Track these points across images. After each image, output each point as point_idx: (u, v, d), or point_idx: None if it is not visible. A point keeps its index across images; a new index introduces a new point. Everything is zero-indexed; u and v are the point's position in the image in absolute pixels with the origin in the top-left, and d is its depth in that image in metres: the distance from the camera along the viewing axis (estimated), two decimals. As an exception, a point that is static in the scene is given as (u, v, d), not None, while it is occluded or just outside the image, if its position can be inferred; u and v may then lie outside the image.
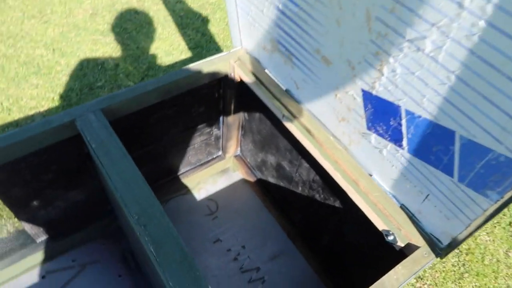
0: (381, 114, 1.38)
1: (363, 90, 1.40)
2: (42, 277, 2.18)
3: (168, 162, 2.39)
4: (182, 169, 2.53)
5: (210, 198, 2.58)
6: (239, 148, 2.65)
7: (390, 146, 1.43)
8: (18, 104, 3.51)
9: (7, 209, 1.93)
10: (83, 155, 1.92)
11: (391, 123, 1.36)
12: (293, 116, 1.79)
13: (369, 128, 1.49)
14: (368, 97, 1.39)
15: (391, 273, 1.39)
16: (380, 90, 1.32)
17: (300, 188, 2.18)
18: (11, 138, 1.61)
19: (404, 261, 1.42)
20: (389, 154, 1.46)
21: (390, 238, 1.51)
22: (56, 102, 3.54)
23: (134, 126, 2.00)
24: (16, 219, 2.02)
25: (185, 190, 2.60)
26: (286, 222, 2.44)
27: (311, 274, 2.31)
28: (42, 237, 2.21)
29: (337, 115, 1.62)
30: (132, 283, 2.19)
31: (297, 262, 2.36)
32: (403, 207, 1.54)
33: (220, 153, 2.64)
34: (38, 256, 2.21)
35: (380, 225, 1.55)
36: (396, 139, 1.38)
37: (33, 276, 2.18)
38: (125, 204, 1.44)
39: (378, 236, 1.74)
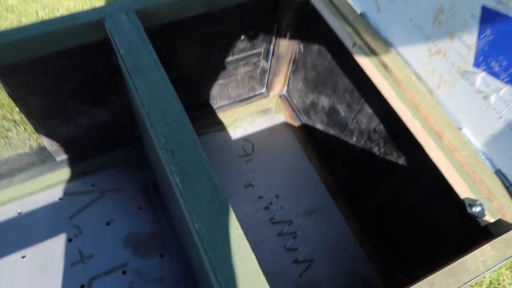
0: (507, 44, 1.00)
1: (484, 8, 1.02)
2: (60, 198, 2.02)
3: (204, 92, 2.10)
4: (219, 103, 2.24)
5: (246, 139, 2.31)
6: (286, 87, 2.32)
7: (506, 90, 1.06)
8: (53, 15, 3.27)
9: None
10: (111, 66, 1.65)
11: (519, 56, 0.98)
12: (367, 46, 1.42)
13: (477, 64, 1.11)
14: (491, 18, 1.01)
15: (477, 253, 1.08)
16: (515, 6, 0.94)
17: (354, 138, 1.85)
18: (26, 31, 1.35)
19: (494, 241, 1.11)
20: (499, 102, 1.09)
21: (476, 210, 1.18)
22: (91, 18, 3.28)
23: (171, 41, 1.69)
24: (38, 135, 1.83)
25: (220, 126, 2.33)
26: (329, 175, 2.15)
27: (349, 236, 2.05)
28: (62, 156, 2.03)
29: (430, 47, 1.25)
30: (152, 217, 2.00)
31: (335, 221, 2.09)
32: (499, 174, 1.19)
33: (263, 90, 2.32)
34: (56, 175, 2.04)
35: (464, 192, 1.22)
36: (520, 81, 1.01)
37: (50, 195, 2.03)
38: (152, 123, 1.17)
39: (454, 206, 1.42)
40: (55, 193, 2.03)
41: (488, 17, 1.01)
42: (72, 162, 2.06)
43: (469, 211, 1.20)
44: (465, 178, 1.21)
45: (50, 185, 2.05)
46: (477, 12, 1.04)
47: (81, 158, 2.06)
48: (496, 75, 1.07)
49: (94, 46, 1.51)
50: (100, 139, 2.03)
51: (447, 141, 1.25)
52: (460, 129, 1.26)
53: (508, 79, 1.04)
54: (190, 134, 1.16)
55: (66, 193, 2.05)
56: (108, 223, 1.97)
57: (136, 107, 1.55)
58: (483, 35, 1.05)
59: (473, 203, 1.19)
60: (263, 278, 0.96)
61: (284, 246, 1.98)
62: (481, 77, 1.12)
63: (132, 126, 2.05)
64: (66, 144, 1.96)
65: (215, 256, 0.97)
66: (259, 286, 0.95)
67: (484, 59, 1.08)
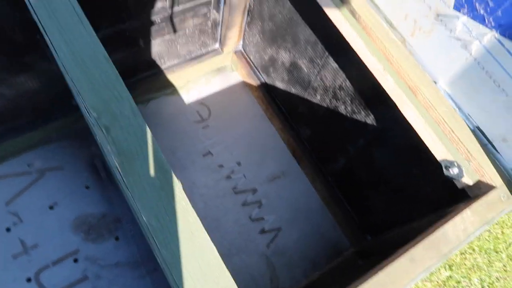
0: (495, -20, 0.86)
1: None
2: (-11, 181, 1.76)
3: (149, 50, 1.84)
4: (167, 62, 1.99)
5: (201, 102, 2.10)
6: (241, 41, 2.10)
7: (491, 37, 0.93)
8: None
9: None
10: (29, 23, 1.36)
11: (510, -5, 0.84)
12: (332, -10, 1.23)
13: (458, 7, 0.97)
14: (479, -51, 0.85)
15: (457, 221, 1.00)
16: None
17: (318, 97, 1.71)
18: None
19: (474, 204, 1.03)
20: (482, 51, 0.97)
21: (453, 171, 1.09)
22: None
23: (101, -10, 1.41)
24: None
25: (171, 89, 2.09)
26: (292, 137, 2.01)
27: (316, 200, 1.96)
28: (-14, 133, 1.74)
29: (404, -12, 1.09)
30: (102, 197, 1.80)
31: (301, 186, 1.99)
32: (477, 131, 1.10)
33: (217, 45, 2.09)
34: (-17, 156, 1.76)
35: (441, 153, 1.12)
36: (509, 26, 0.88)
37: (-23, 179, 1.76)
38: (78, 92, 0.95)
39: (425, 166, 1.34)
40: (-16, 177, 1.76)
41: None
42: (1, 139, 1.77)
43: (445, 173, 1.11)
44: (442, 138, 1.11)
45: (-24, 168, 1.77)
46: None
47: (11, 134, 1.78)
48: (479, 19, 0.93)
49: (1, -2, 1.22)
50: (32, 110, 1.76)
51: (422, 97, 1.13)
52: (435, 83, 1.14)
53: (494, 23, 0.91)
54: (127, 104, 0.95)
55: (-3, 176, 1.78)
56: (51, 207, 1.75)
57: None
58: (468, -29, 0.90)
59: (450, 164, 1.10)
60: (227, 273, 0.81)
61: (249, 217, 1.86)
62: (462, 21, 0.98)
63: (67, 94, 1.78)
64: (-11, 120, 1.67)
65: (168, 253, 0.81)
66: (223, 283, 0.81)
67: (467, 0, 0.93)
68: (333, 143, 1.76)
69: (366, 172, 1.64)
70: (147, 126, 0.95)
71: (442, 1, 1.00)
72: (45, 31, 1.02)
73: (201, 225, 0.86)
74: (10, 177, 1.80)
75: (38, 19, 1.03)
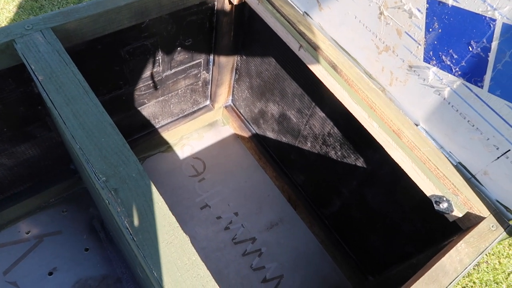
0: (455, 36, 0.98)
1: (429, 1, 0.99)
2: (-13, 252, 1.75)
3: (144, 112, 1.93)
4: (161, 121, 2.08)
5: (195, 157, 2.17)
6: (230, 97, 2.21)
7: (459, 84, 1.04)
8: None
9: None
10: (32, 96, 1.44)
11: (471, 48, 0.96)
12: (313, 48, 1.36)
13: (427, 59, 1.09)
14: (438, 11, 0.98)
15: (453, 252, 1.05)
16: (463, -3, 0.91)
17: (309, 144, 1.79)
18: None
19: (467, 236, 1.08)
20: (453, 96, 1.07)
21: (443, 206, 1.16)
22: (4, 42, 2.93)
23: (99, 60, 1.52)
24: None
25: (166, 146, 2.16)
26: (287, 184, 2.08)
27: (315, 244, 1.99)
28: (-15, 203, 1.75)
29: (378, 44, 1.21)
30: (101, 259, 1.79)
31: (299, 231, 2.02)
32: (460, 166, 1.18)
33: (207, 102, 2.19)
34: (-20, 226, 1.76)
35: (430, 189, 1.19)
36: (473, 73, 0.99)
37: (-25, 250, 1.75)
38: (87, 159, 1.01)
39: (420, 204, 1.40)
40: (-19, 248, 1.75)
41: (434, 9, 0.99)
42: (-1, 208, 1.79)
43: (436, 208, 1.17)
44: (429, 175, 1.18)
45: (-27, 239, 1.77)
46: (424, 5, 1.01)
47: (9, 202, 1.80)
48: (448, 69, 1.05)
49: (7, 74, 1.30)
50: (30, 177, 1.79)
51: (406, 139, 1.22)
52: (417, 125, 1.24)
53: (461, 72, 1.02)
54: (134, 166, 1.01)
55: (-5, 245, 1.77)
56: (51, 273, 1.73)
57: (66, 139, 1.36)
58: (431, 28, 1.02)
59: (439, 199, 1.16)
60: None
61: (251, 266, 1.87)
62: (432, 72, 1.09)
63: (66, 159, 1.83)
64: (-12, 190, 1.70)
65: (182, 308, 0.83)
66: (237, 333, 0.83)
67: (435, 53, 1.05)
68: (327, 186, 1.82)
69: (361, 213, 1.70)
70: (154, 186, 1.00)
71: (412, 53, 1.12)
72: (53, 104, 1.09)
73: (212, 278, 0.89)
74: (8, 245, 1.79)
75: (46, 93, 1.11)
